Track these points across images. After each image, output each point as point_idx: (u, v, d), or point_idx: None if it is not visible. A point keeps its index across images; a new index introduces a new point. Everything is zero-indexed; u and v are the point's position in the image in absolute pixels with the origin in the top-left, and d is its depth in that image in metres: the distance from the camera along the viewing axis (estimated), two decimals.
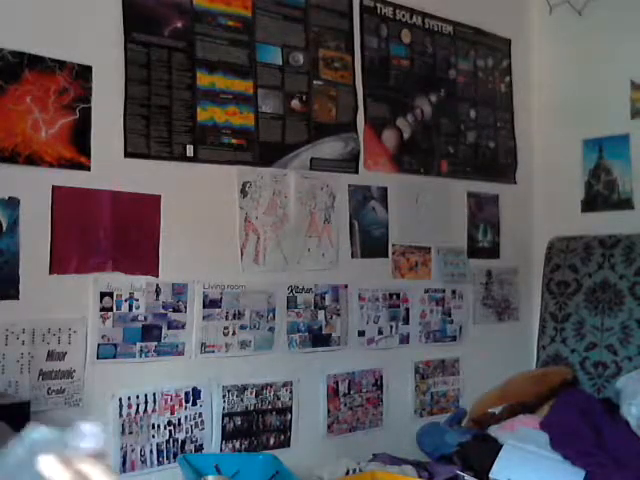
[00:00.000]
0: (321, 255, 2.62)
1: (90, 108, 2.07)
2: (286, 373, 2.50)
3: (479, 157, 3.21)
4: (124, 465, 2.12)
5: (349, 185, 2.72)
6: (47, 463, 0.59)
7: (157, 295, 2.20)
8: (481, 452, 2.55)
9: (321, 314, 2.61)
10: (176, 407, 2.24)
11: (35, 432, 0.61)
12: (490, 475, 2.41)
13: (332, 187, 2.66)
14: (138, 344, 2.16)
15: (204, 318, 2.30)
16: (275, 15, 2.53)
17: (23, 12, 1.97)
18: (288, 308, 2.52)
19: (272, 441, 2.47)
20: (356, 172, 2.74)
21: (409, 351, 2.88)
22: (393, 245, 2.84)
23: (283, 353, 2.50)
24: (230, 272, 2.37)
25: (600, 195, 3.23)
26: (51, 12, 2.02)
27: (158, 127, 2.21)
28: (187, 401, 2.27)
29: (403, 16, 2.93)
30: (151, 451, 2.18)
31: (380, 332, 2.79)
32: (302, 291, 2.56)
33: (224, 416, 2.35)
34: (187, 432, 2.26)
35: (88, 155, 2.06)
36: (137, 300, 2.16)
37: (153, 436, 2.18)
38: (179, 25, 2.28)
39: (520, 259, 3.35)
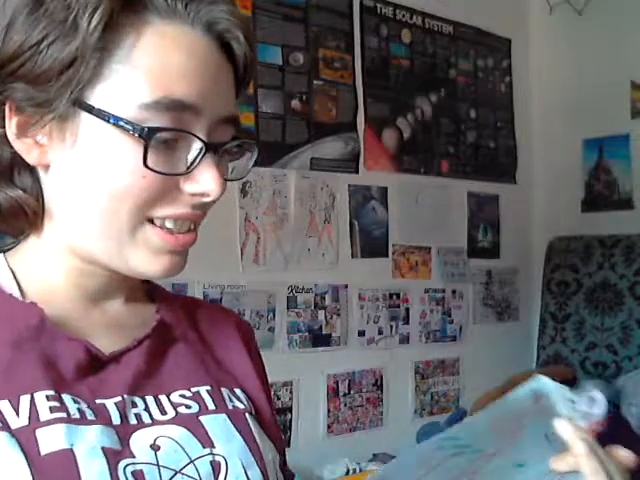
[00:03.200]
0: (321, 255, 2.62)
1: None
2: (286, 373, 2.50)
3: (479, 157, 3.21)
4: None
5: (349, 185, 2.72)
6: (564, 426, 0.61)
7: None
8: None
9: (321, 314, 2.61)
10: None
11: (540, 383, 0.63)
12: None
13: (332, 187, 2.66)
14: None
15: None
16: (275, 15, 2.53)
17: None
18: (288, 308, 2.52)
19: None
20: (356, 172, 2.74)
21: (409, 351, 2.88)
22: (393, 245, 2.84)
23: (283, 353, 2.50)
24: (230, 272, 2.37)
25: (600, 195, 3.23)
26: None
27: None
28: None
29: (403, 16, 2.93)
30: None
31: (380, 332, 2.79)
32: (302, 291, 2.56)
33: None
34: None
35: None
36: None
37: None
38: None
39: (520, 259, 3.35)
